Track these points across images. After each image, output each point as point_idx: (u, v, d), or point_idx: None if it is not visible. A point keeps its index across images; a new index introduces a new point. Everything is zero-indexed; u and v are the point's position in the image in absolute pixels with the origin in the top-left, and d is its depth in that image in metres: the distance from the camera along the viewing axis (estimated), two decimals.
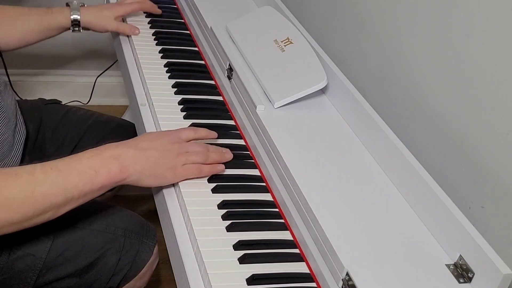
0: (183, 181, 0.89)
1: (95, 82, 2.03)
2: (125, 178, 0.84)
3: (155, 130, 1.01)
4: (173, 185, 0.90)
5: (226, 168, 0.93)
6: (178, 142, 0.90)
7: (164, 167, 0.87)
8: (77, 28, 1.25)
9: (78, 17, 1.23)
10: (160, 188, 0.90)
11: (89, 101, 2.07)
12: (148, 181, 0.87)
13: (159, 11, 1.36)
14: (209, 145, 0.94)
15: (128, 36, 1.28)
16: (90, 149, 0.85)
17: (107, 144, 0.86)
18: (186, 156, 0.88)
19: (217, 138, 1.00)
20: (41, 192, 0.78)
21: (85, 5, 1.27)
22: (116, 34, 1.30)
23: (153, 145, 0.87)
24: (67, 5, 1.25)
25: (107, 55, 2.07)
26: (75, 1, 1.26)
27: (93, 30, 1.28)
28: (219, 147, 0.95)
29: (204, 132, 0.95)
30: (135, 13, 1.35)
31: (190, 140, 0.92)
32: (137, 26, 1.29)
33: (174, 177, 0.88)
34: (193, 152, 0.89)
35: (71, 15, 1.23)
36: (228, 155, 0.94)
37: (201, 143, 0.93)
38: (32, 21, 1.22)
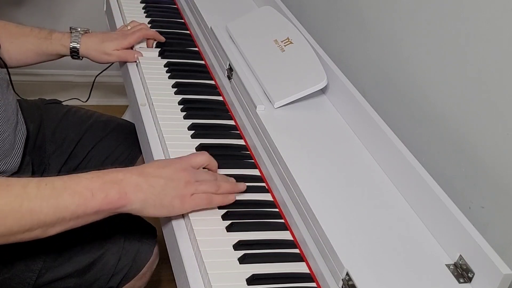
0: None
1: (94, 81, 2.03)
2: (125, 205, 0.78)
3: (155, 130, 1.01)
4: None
5: (226, 168, 0.93)
6: (187, 170, 0.83)
7: (171, 196, 0.81)
8: (76, 56, 1.21)
9: (78, 46, 1.19)
10: None
11: (88, 99, 2.06)
12: (152, 211, 0.81)
13: (162, 39, 1.27)
14: (217, 174, 0.88)
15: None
16: (94, 171, 0.80)
17: (113, 168, 0.81)
18: (196, 185, 0.82)
19: (218, 138, 1.00)
20: (29, 208, 0.73)
21: (89, 31, 1.22)
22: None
23: (160, 173, 0.81)
24: (71, 29, 1.21)
25: None
26: (79, 29, 1.21)
27: (93, 61, 1.23)
28: (226, 177, 0.89)
29: (215, 162, 0.89)
30: (135, 12, 1.34)
31: (200, 167, 0.87)
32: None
33: (181, 207, 0.82)
34: (203, 181, 0.84)
35: (70, 43, 1.19)
36: (242, 186, 0.89)
37: (210, 171, 0.88)
38: (31, 43, 1.18)
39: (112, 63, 1.25)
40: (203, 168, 0.88)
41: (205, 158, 0.87)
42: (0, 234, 0.74)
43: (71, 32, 1.20)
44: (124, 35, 1.23)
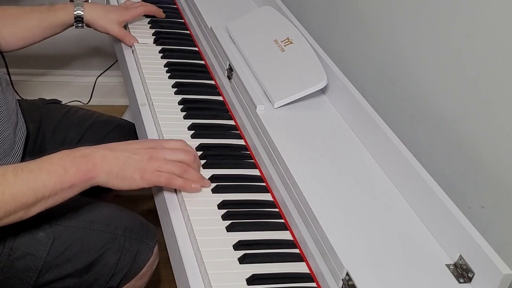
0: None
1: (95, 82, 2.03)
2: (93, 177, 0.84)
3: (155, 130, 1.01)
4: None
5: (226, 168, 0.94)
6: (156, 149, 0.87)
7: (133, 168, 0.85)
8: (80, 24, 1.24)
9: (82, 13, 1.22)
10: (160, 188, 0.90)
11: (89, 101, 2.07)
12: (116, 182, 0.85)
13: (163, 15, 1.35)
14: (196, 162, 0.90)
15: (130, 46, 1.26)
16: (63, 150, 0.85)
17: (81, 146, 0.86)
18: (161, 162, 0.86)
19: (218, 138, 1.00)
20: (12, 194, 0.79)
21: (89, 1, 1.25)
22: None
23: (126, 148, 0.86)
24: (71, 1, 1.23)
25: (107, 55, 2.07)
26: None
27: (94, 29, 1.27)
28: (199, 170, 0.91)
29: (193, 151, 0.91)
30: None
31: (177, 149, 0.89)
32: (137, 26, 1.29)
33: (141, 180, 0.85)
34: (169, 161, 0.86)
35: (74, 11, 1.22)
36: (207, 183, 0.89)
37: (188, 154, 0.89)
38: (35, 19, 1.21)
39: (111, 35, 1.28)
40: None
41: (180, 144, 0.90)
42: None
43: (72, 1, 1.23)
44: (126, 8, 1.29)
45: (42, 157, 0.84)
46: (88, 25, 1.25)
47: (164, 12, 1.39)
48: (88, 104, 2.06)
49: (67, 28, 1.26)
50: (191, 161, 0.89)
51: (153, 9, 1.33)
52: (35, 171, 0.81)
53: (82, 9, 1.23)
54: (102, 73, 2.00)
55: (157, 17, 1.37)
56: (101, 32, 1.27)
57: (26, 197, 0.80)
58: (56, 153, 0.84)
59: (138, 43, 1.25)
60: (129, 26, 1.31)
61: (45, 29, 1.23)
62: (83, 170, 0.83)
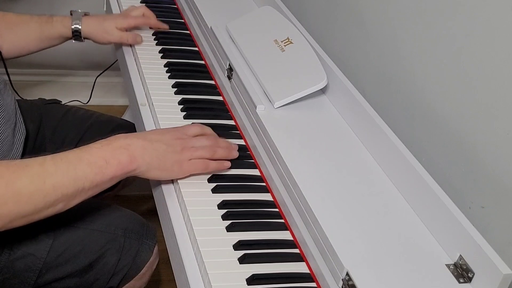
0: (183, 181, 0.89)
1: (94, 82, 2.03)
2: (135, 168, 0.84)
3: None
4: (173, 184, 0.90)
5: None
6: (182, 138, 0.90)
7: (172, 160, 0.87)
8: (79, 38, 1.22)
9: (79, 27, 1.20)
10: (160, 188, 0.90)
11: (89, 101, 2.07)
12: (156, 173, 0.86)
13: (166, 27, 1.30)
14: (219, 138, 0.95)
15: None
16: (99, 140, 0.84)
17: (116, 135, 0.86)
18: (192, 151, 0.89)
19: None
20: (52, 184, 0.78)
21: (89, 14, 1.24)
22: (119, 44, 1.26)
23: (161, 138, 0.88)
24: (71, 13, 1.22)
25: (107, 54, 2.07)
26: (79, 10, 1.23)
27: (94, 42, 1.24)
28: (228, 141, 0.96)
29: (208, 129, 0.95)
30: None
31: (197, 135, 0.93)
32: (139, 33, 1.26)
33: (180, 171, 0.88)
34: (198, 147, 0.90)
35: (72, 25, 1.20)
36: (235, 153, 0.95)
37: (210, 137, 0.93)
38: (33, 29, 1.19)
39: (113, 43, 1.26)
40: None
41: (198, 128, 0.93)
42: (27, 213, 0.78)
43: (71, 15, 1.22)
44: (125, 15, 1.26)
45: (80, 148, 0.83)
46: (87, 38, 1.23)
47: (164, 12, 1.39)
48: (88, 104, 2.06)
49: (65, 41, 1.24)
50: (215, 142, 0.92)
51: (153, 21, 1.28)
52: (74, 162, 0.80)
53: (80, 23, 1.20)
54: (101, 73, 2.00)
55: (156, 13, 1.35)
56: (102, 43, 1.24)
57: (67, 187, 0.79)
58: (93, 143, 0.83)
59: (143, 41, 1.24)
60: None
61: (42, 40, 1.21)
62: (125, 162, 0.83)
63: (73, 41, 1.23)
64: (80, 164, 0.80)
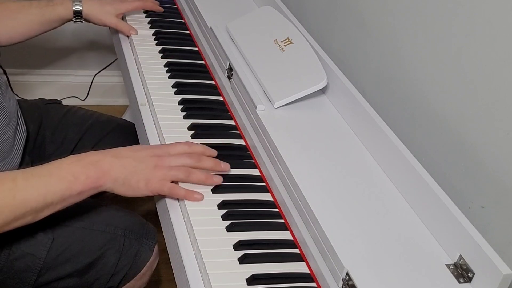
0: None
1: (92, 80, 2.03)
2: (102, 184, 0.84)
3: (155, 130, 1.01)
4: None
5: None
6: (160, 156, 0.87)
7: (138, 177, 0.85)
8: (79, 20, 1.26)
9: (80, 8, 1.24)
10: None
11: (86, 97, 2.06)
12: (122, 189, 0.86)
13: (161, 9, 1.37)
14: (204, 158, 0.90)
15: (128, 36, 1.28)
16: (71, 155, 0.86)
17: (89, 152, 0.87)
18: (165, 170, 0.86)
19: (218, 138, 1.00)
20: (22, 198, 0.80)
21: None
22: (114, 31, 1.31)
23: (132, 155, 0.87)
24: None
25: (106, 53, 2.07)
26: None
27: (93, 23, 1.29)
28: (215, 160, 0.91)
29: (200, 148, 0.91)
30: (135, 11, 1.35)
31: (182, 154, 0.89)
32: (137, 26, 1.29)
33: (146, 189, 0.86)
34: (173, 167, 0.87)
35: (73, 7, 1.24)
36: (217, 179, 0.89)
37: (193, 155, 0.89)
38: (34, 14, 1.22)
39: (110, 27, 1.31)
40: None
41: (185, 147, 0.90)
42: None
43: None
44: (122, 0, 1.31)
45: (51, 162, 0.84)
46: (86, 20, 1.27)
47: (164, 12, 1.39)
48: (87, 103, 2.05)
49: (65, 23, 1.27)
50: (196, 163, 0.88)
51: (149, 4, 1.36)
52: (45, 177, 0.82)
53: (81, 4, 1.25)
54: (99, 71, 2.00)
55: (156, 13, 1.38)
56: (98, 24, 1.29)
57: (36, 202, 0.81)
58: (64, 158, 0.85)
59: (137, 34, 1.27)
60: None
61: (44, 24, 1.24)
62: (92, 177, 0.83)
63: (73, 22, 1.26)
64: (50, 179, 0.82)
